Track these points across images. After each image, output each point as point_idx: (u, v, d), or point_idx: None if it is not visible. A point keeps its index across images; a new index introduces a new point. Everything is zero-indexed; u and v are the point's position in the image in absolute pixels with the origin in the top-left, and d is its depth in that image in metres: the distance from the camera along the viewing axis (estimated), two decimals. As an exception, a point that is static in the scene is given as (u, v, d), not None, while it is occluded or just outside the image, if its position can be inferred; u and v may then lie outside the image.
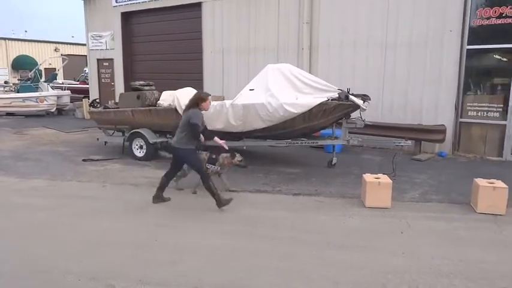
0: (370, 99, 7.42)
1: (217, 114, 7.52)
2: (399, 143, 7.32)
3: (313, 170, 7.71)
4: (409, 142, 7.41)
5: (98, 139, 9.75)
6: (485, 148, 8.65)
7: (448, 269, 3.83)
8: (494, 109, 8.47)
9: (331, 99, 7.02)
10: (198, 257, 4.11)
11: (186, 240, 4.54)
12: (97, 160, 8.50)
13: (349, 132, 8.04)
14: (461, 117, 8.82)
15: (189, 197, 6.05)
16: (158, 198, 5.71)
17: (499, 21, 8.14)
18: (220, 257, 4.13)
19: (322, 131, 8.63)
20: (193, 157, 5.55)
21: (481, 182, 5.48)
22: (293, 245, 4.39)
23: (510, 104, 8.22)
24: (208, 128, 7.76)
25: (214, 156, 6.09)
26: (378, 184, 5.58)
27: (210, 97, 5.62)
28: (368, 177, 5.74)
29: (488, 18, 8.26)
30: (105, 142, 9.52)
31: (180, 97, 7.91)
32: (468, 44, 8.50)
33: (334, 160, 7.81)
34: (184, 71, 13.16)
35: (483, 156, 8.59)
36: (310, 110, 7.01)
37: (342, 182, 6.87)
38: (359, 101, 7.01)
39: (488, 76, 8.82)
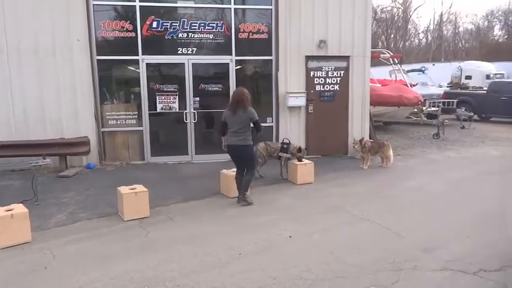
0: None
1: None
2: (36, 162, 6.47)
3: None
4: (48, 160, 6.67)
5: None
6: (130, 154, 9.08)
7: (97, 294, 3.55)
8: (131, 116, 8.99)
9: None
10: None
11: None
12: None
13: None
14: (103, 127, 8.84)
15: None
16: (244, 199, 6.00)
17: (122, 34, 8.64)
18: None
19: None
20: (253, 152, 6.26)
21: (123, 189, 5.57)
22: None
23: (143, 110, 8.94)
24: None
25: (285, 146, 7.27)
26: (10, 217, 4.64)
27: None
28: (-2, 211, 4.69)
29: (112, 31, 8.60)
30: None
31: None
32: (98, 55, 8.53)
33: (-48, 196, 6.06)
34: None
35: (129, 162, 8.97)
36: None
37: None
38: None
39: (122, 85, 9.18)
